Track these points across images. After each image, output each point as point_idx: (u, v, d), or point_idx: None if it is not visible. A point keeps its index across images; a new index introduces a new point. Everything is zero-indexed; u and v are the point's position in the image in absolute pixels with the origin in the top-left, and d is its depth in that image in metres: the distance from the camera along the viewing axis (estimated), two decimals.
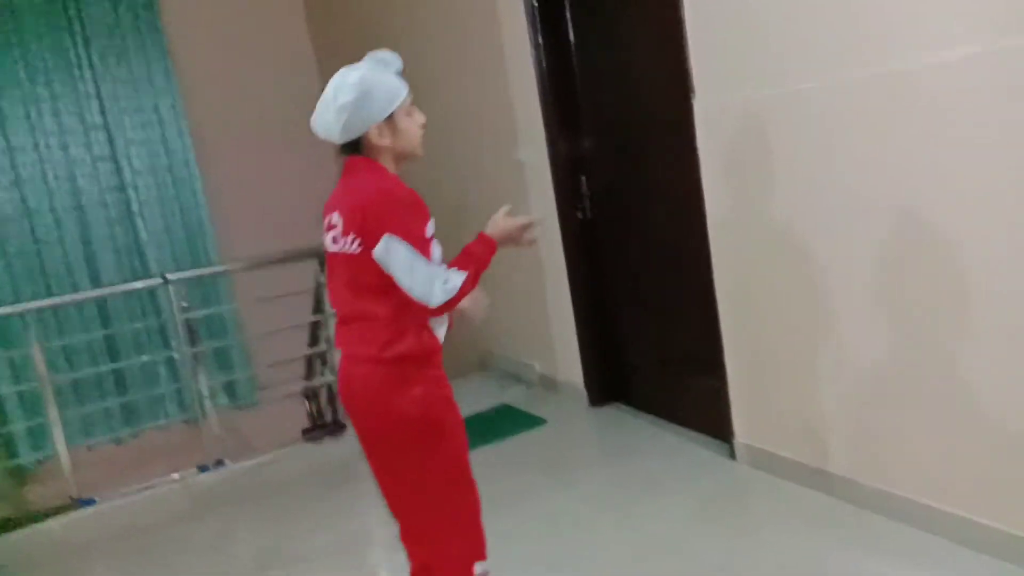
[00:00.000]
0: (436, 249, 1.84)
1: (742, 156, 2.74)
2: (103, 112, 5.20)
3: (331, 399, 4.39)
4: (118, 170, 5.26)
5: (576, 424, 3.82)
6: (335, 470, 3.75)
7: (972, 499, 2.26)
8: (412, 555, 2.02)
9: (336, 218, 1.85)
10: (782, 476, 2.86)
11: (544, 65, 3.70)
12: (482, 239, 1.90)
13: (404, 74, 1.90)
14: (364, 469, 3.68)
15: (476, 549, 1.93)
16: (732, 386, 3.03)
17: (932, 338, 2.28)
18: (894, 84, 2.20)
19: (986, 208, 2.05)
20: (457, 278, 1.79)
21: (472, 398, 4.39)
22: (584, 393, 3.96)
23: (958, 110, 2.06)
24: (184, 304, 3.57)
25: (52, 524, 3.39)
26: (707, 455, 3.19)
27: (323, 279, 3.94)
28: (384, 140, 1.85)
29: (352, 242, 1.80)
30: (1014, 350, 2.07)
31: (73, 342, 4.77)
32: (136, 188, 5.28)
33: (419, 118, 1.91)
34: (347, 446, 3.90)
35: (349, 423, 3.88)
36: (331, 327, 4.01)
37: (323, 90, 1.86)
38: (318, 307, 4.09)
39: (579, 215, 3.80)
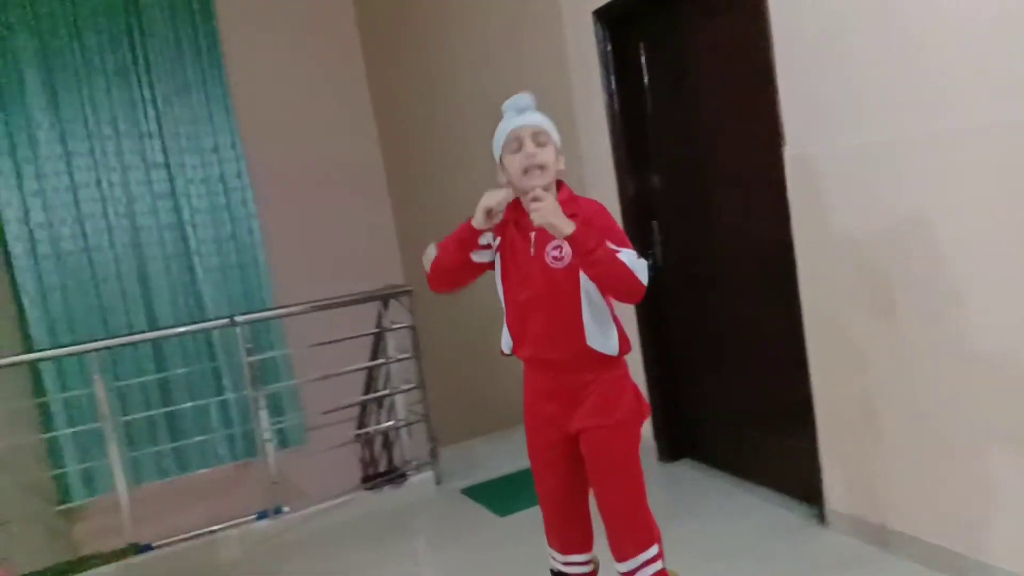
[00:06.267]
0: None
1: (836, 206, 2.63)
2: (164, 150, 5.24)
3: (387, 445, 4.30)
4: (177, 208, 5.28)
5: (646, 480, 3.65)
6: (395, 520, 3.64)
7: None
8: None
9: None
10: (883, 547, 2.68)
11: (617, 109, 3.64)
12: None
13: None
14: (422, 520, 3.57)
15: (548, 533, 2.20)
16: (823, 443, 2.87)
17: None
18: (995, 136, 2.09)
19: None
20: None
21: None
22: (653, 447, 3.81)
23: None
24: (249, 346, 3.50)
25: (108, 570, 3.30)
26: (791, 519, 3.02)
27: (386, 323, 3.87)
28: (501, 179, 2.06)
29: None
30: None
31: (129, 382, 4.72)
32: (194, 226, 5.29)
33: (520, 156, 1.99)
34: (407, 495, 3.79)
35: (411, 471, 3.81)
36: (393, 371, 3.93)
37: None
38: (379, 351, 4.01)
39: (649, 262, 3.70)
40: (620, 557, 2.07)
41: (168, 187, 5.26)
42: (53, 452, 4.69)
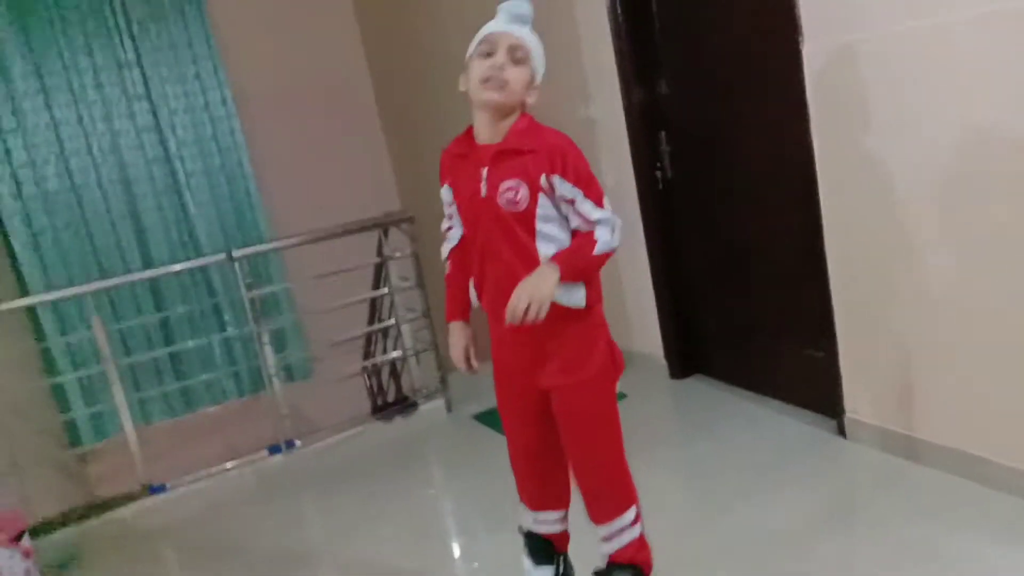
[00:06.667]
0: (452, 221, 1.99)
1: (859, 107, 2.48)
2: (145, 81, 5.01)
3: (394, 375, 4.25)
4: (163, 141, 5.08)
5: (658, 399, 3.62)
6: (408, 448, 3.62)
7: None
8: None
9: None
10: (908, 456, 2.63)
11: (619, 12, 3.43)
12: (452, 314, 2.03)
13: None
14: (435, 447, 3.52)
15: (519, 488, 2.07)
16: (843, 354, 2.80)
17: None
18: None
19: None
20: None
21: None
22: (664, 365, 3.75)
23: None
24: (249, 281, 3.40)
25: (124, 512, 3.29)
26: (811, 432, 2.98)
27: (388, 251, 3.76)
28: (462, 85, 1.80)
29: None
30: None
31: (129, 322, 4.64)
32: (182, 159, 5.10)
33: (486, 63, 1.73)
34: (419, 423, 3.76)
35: (421, 399, 3.76)
36: (398, 300, 3.84)
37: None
38: (381, 281, 3.91)
39: (658, 174, 3.56)
40: (597, 520, 1.96)
41: (152, 119, 5.05)
42: (59, 396, 4.64)
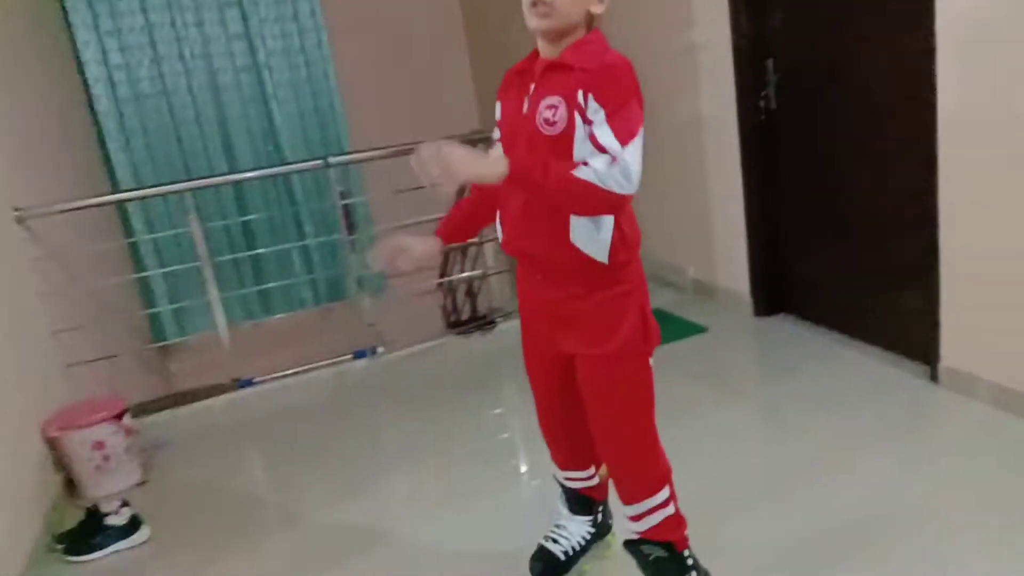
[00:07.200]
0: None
1: (998, 45, 2.34)
2: None
3: (469, 294, 4.29)
4: (252, 50, 5.11)
5: (741, 334, 3.58)
6: (485, 365, 3.67)
7: None
8: None
9: None
10: (1002, 407, 2.56)
11: None
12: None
13: None
14: (511, 366, 3.49)
15: (547, 446, 1.99)
16: (945, 304, 2.71)
17: None
18: None
19: None
20: None
21: None
22: (749, 301, 3.70)
23: None
24: (343, 189, 3.44)
25: (215, 403, 3.42)
26: (901, 376, 2.92)
27: None
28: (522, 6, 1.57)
29: None
30: None
31: (213, 224, 4.74)
32: (270, 69, 5.13)
33: None
34: (496, 341, 3.80)
35: (500, 319, 3.78)
36: None
37: None
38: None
39: (762, 104, 3.44)
40: (625, 500, 1.81)
41: (242, 26, 5.08)
42: (145, 293, 4.81)
